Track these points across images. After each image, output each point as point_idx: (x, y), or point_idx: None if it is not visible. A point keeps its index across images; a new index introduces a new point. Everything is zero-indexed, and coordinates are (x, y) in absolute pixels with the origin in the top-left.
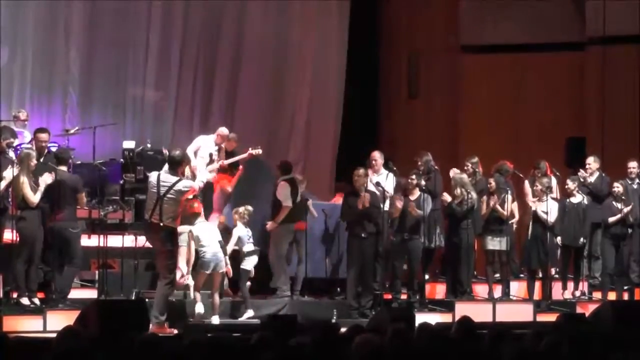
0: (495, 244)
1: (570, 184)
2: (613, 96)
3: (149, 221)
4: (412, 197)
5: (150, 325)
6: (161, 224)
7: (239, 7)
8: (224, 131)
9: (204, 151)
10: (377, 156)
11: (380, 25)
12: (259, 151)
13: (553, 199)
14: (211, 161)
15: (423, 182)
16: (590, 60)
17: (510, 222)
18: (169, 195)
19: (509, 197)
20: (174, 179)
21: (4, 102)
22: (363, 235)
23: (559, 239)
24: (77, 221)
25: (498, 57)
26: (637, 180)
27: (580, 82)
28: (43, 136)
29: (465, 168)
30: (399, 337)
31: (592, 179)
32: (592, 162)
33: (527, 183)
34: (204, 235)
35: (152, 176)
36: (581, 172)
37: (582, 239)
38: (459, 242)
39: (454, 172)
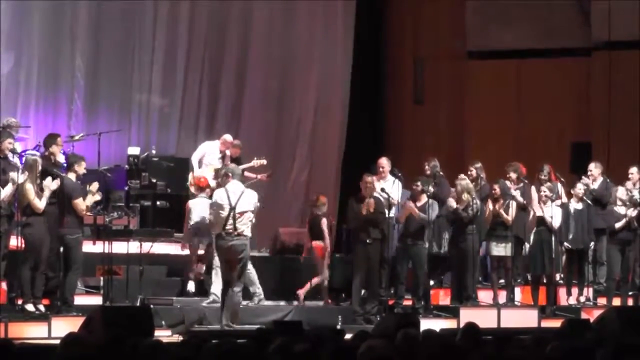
0: (500, 249)
1: (580, 189)
2: (619, 101)
3: (222, 233)
4: (419, 203)
5: None
6: (235, 233)
7: (245, 14)
8: (228, 138)
9: (209, 158)
10: (385, 163)
11: (386, 31)
12: (264, 162)
13: (558, 205)
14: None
15: (431, 189)
16: (595, 66)
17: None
18: (239, 204)
19: (514, 202)
20: (241, 188)
21: (10, 108)
22: (368, 241)
23: (566, 244)
24: (77, 227)
25: (504, 62)
26: (638, 186)
27: (586, 87)
28: (60, 140)
29: (469, 173)
30: (409, 342)
31: (595, 185)
32: (593, 169)
33: (533, 188)
34: (196, 209)
35: (218, 193)
36: (584, 180)
37: (592, 244)
38: (465, 247)
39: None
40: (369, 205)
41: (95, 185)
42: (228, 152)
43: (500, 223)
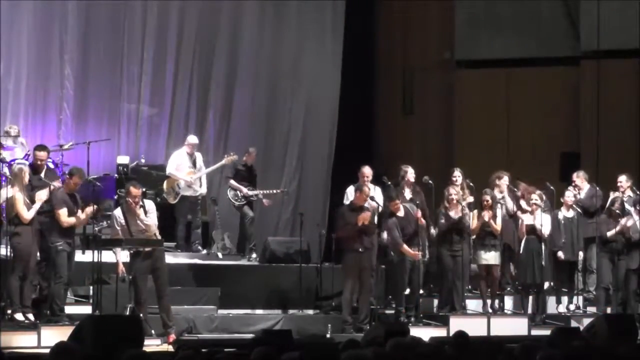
0: (487, 257)
1: (569, 197)
2: (607, 111)
3: None
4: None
5: None
6: None
7: (234, 24)
8: (193, 140)
9: (182, 167)
10: (369, 171)
11: (375, 41)
12: (235, 157)
13: (543, 210)
14: None
15: (417, 202)
16: (584, 75)
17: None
18: None
19: (500, 211)
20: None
21: None
22: (360, 250)
23: (560, 253)
24: (58, 237)
25: (493, 72)
26: (627, 194)
27: (575, 96)
28: (41, 154)
29: (454, 179)
30: (399, 350)
31: (582, 194)
32: (576, 178)
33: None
34: None
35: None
36: (571, 190)
37: (580, 253)
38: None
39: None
40: (365, 218)
41: (89, 210)
42: (198, 154)
43: (489, 232)
